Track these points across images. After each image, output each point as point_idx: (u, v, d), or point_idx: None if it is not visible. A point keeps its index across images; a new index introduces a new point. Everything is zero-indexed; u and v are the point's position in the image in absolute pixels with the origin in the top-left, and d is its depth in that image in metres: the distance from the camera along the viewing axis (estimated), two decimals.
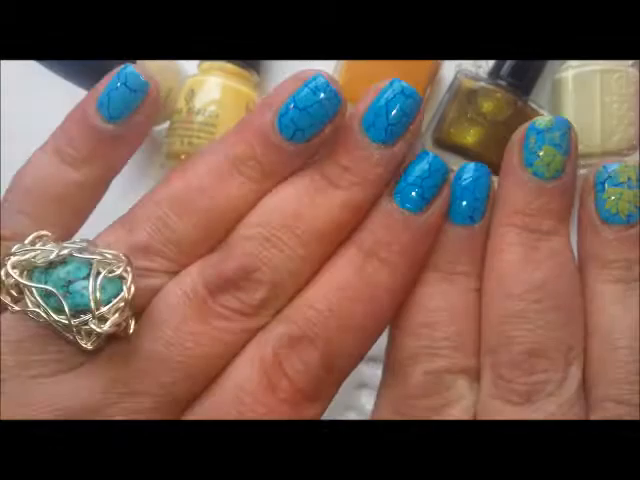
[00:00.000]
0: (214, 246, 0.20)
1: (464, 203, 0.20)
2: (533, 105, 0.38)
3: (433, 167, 0.20)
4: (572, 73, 0.37)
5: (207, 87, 0.37)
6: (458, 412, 0.19)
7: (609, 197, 0.20)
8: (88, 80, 0.32)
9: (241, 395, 0.18)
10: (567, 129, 0.20)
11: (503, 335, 0.19)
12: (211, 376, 0.19)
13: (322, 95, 0.19)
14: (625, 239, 0.20)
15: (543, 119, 0.20)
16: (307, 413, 0.18)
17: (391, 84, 0.19)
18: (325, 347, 0.19)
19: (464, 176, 0.20)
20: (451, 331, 0.20)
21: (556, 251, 0.20)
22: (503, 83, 0.37)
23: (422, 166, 0.20)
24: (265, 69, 0.40)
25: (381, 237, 0.20)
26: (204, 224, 0.19)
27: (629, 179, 0.20)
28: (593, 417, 0.19)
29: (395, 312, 0.20)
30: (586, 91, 0.37)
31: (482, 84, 0.37)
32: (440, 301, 0.20)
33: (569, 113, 0.38)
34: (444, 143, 0.39)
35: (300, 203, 0.19)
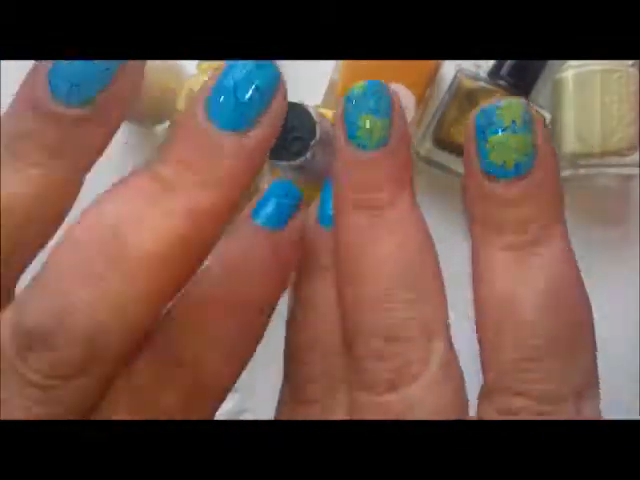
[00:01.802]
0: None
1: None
2: (533, 105, 0.38)
3: (288, 188, 0.19)
4: (572, 73, 0.37)
5: None
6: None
7: (492, 147, 0.17)
8: None
9: None
10: (381, 91, 0.17)
11: (357, 324, 0.17)
12: None
13: None
14: (514, 195, 0.17)
15: (355, 87, 0.18)
16: None
17: (243, 64, 0.16)
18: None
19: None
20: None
21: (397, 223, 0.18)
22: (503, 83, 0.38)
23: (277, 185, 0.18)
24: None
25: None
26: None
27: (513, 122, 0.17)
28: (485, 406, 0.17)
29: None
30: (586, 91, 0.37)
31: (482, 84, 0.37)
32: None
33: (569, 113, 0.38)
34: (444, 143, 0.39)
35: (124, 218, 0.15)
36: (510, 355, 0.17)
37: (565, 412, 0.16)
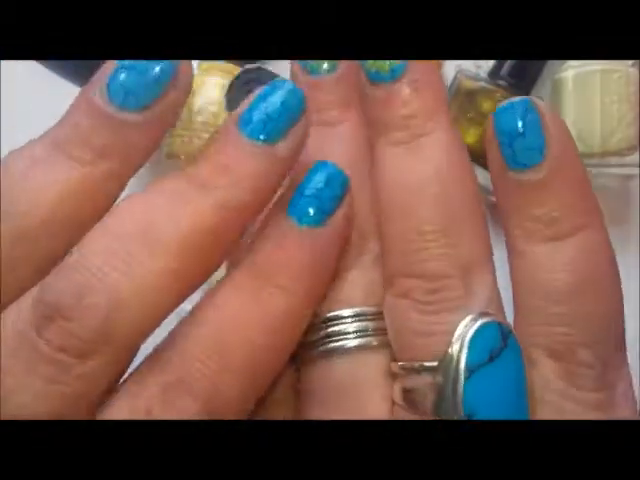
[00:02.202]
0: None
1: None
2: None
3: (331, 176, 0.18)
4: (572, 73, 0.37)
5: (207, 87, 0.37)
6: None
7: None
8: (88, 80, 0.32)
9: None
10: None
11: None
12: None
13: None
14: (390, 96, 0.18)
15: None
16: None
17: (274, 84, 0.17)
18: (206, 395, 0.16)
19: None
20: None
21: (345, 136, 0.20)
22: (503, 83, 0.37)
23: (317, 175, 0.18)
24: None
25: (276, 258, 0.17)
26: (23, 231, 0.16)
27: None
28: (386, 295, 0.18)
29: (294, 339, 0.18)
30: (586, 91, 0.37)
31: (482, 84, 0.37)
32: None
33: (569, 113, 0.38)
34: None
35: (158, 207, 0.16)
36: (398, 244, 0.18)
37: (453, 287, 0.17)
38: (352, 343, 0.18)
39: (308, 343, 0.19)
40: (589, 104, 0.37)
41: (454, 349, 0.17)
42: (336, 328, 0.18)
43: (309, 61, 0.20)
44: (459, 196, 0.18)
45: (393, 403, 0.18)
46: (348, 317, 0.18)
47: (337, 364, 0.18)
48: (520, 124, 0.17)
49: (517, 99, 0.17)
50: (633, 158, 0.38)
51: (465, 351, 0.16)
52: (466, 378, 0.16)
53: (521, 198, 0.18)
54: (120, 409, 0.16)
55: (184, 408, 0.16)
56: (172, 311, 0.16)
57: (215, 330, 0.16)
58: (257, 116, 0.17)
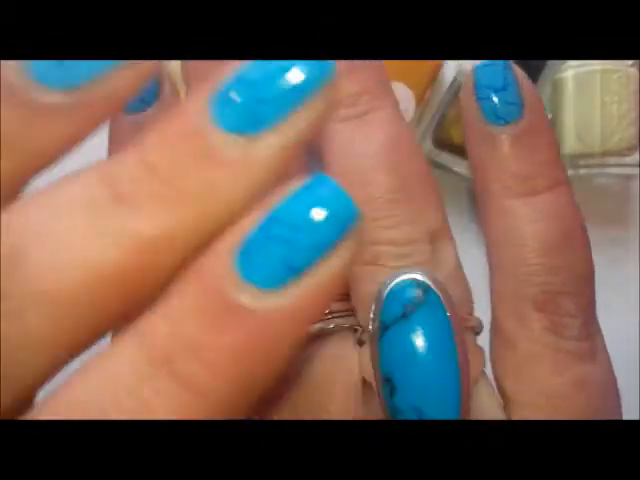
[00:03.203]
0: None
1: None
2: None
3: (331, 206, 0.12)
4: (572, 73, 0.37)
5: None
6: None
7: None
8: None
9: None
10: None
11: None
12: None
13: None
14: (339, 74, 0.16)
15: None
16: None
17: None
18: None
19: None
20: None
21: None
22: None
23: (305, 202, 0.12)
24: None
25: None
26: None
27: None
28: (354, 267, 0.18)
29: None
30: (586, 91, 0.37)
31: None
32: None
33: (569, 113, 0.38)
34: (444, 143, 0.39)
35: (47, 233, 0.11)
36: (362, 213, 0.16)
37: (421, 252, 0.18)
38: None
39: None
40: (589, 104, 0.37)
41: (373, 310, 0.17)
42: None
43: None
44: (415, 165, 0.18)
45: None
46: None
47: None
48: (502, 79, 0.18)
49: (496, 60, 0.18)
50: (633, 158, 0.38)
51: (380, 307, 0.17)
52: (380, 335, 0.16)
53: (498, 153, 0.18)
54: None
55: None
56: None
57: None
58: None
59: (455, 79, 0.38)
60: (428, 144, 0.39)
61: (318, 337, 0.18)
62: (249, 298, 0.11)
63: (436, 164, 0.41)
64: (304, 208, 0.11)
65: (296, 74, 0.13)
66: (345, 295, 0.18)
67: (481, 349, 0.18)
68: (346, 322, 0.18)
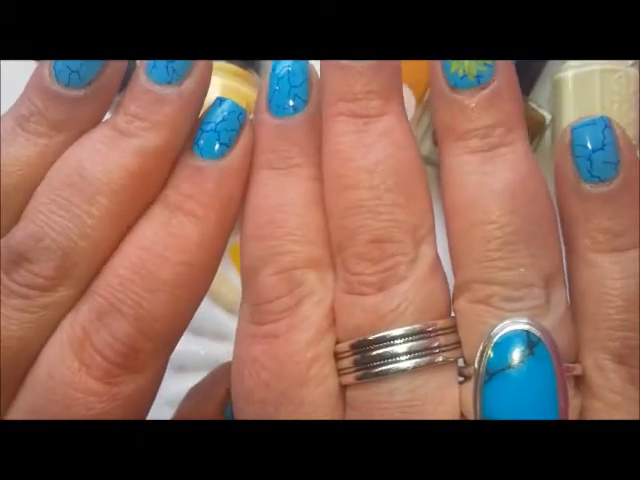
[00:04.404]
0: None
1: (281, 92, 0.19)
2: (533, 105, 0.38)
3: (228, 110, 0.19)
4: (572, 73, 0.37)
5: None
6: (309, 308, 0.18)
7: (453, 60, 0.18)
8: None
9: (51, 384, 0.17)
10: None
11: (346, 229, 0.18)
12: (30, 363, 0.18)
13: None
14: (478, 103, 0.18)
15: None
16: (128, 387, 0.18)
17: None
18: (135, 313, 0.18)
19: (278, 68, 0.19)
20: (294, 225, 0.19)
21: (387, 130, 0.18)
22: None
23: (216, 111, 0.19)
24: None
25: (184, 189, 0.19)
26: None
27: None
28: (459, 300, 0.18)
29: (212, 262, 0.19)
30: (586, 91, 0.37)
31: None
32: (277, 198, 0.19)
33: (569, 113, 0.38)
34: None
35: (87, 158, 0.18)
36: (479, 250, 0.18)
37: (534, 297, 0.17)
38: (407, 365, 0.17)
39: (356, 363, 0.18)
40: (589, 104, 0.37)
41: (480, 352, 0.17)
42: (388, 349, 0.17)
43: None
44: (540, 206, 0.18)
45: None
46: (402, 336, 0.17)
47: (394, 389, 0.17)
48: (601, 139, 0.18)
49: (596, 116, 0.18)
50: None
51: (487, 353, 0.17)
52: (484, 381, 0.17)
53: (592, 209, 0.18)
54: (62, 332, 0.18)
55: (119, 329, 0.18)
56: (118, 244, 0.19)
57: (133, 256, 0.18)
58: (160, 60, 0.19)
59: None
60: (428, 144, 0.39)
61: (426, 369, 0.17)
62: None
63: (436, 164, 0.41)
64: None
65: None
66: (453, 328, 0.18)
67: (578, 395, 0.18)
68: (452, 356, 0.17)
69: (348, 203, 0.18)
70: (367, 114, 0.18)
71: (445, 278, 0.19)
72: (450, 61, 0.18)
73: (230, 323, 0.37)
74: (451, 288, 0.19)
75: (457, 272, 0.18)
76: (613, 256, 0.18)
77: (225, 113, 0.19)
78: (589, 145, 0.18)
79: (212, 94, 0.37)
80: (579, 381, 0.18)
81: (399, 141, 0.18)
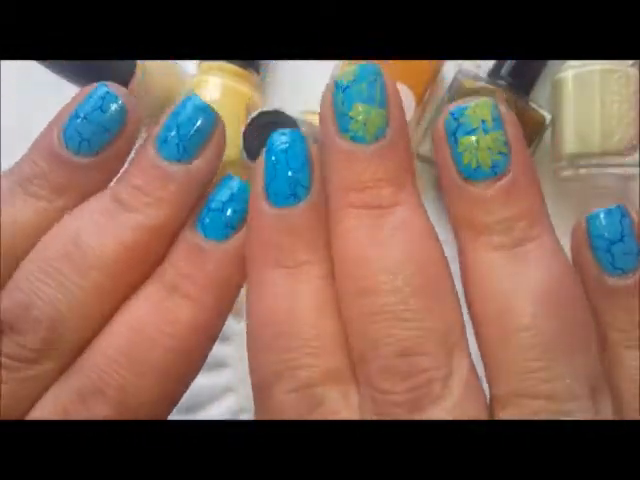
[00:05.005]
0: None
1: (279, 179, 0.17)
2: (533, 105, 0.38)
3: (237, 187, 0.18)
4: (572, 73, 0.37)
5: (207, 87, 0.37)
6: None
7: (465, 150, 0.17)
8: (88, 80, 0.32)
9: None
10: (375, 76, 0.17)
11: (369, 338, 0.16)
12: None
13: (103, 102, 0.18)
14: (497, 195, 0.17)
15: (345, 71, 0.17)
16: None
17: (184, 102, 0.18)
18: (118, 396, 0.17)
19: (274, 148, 0.17)
20: (309, 334, 0.17)
21: (402, 224, 0.17)
22: (503, 83, 0.37)
23: (225, 190, 0.18)
24: (265, 69, 0.40)
25: (183, 269, 0.18)
26: None
27: (483, 122, 0.16)
28: (504, 415, 0.16)
29: (205, 347, 0.18)
30: (586, 91, 0.37)
31: (482, 84, 0.37)
32: (288, 302, 0.17)
33: (569, 113, 0.38)
34: None
35: (84, 228, 0.17)
36: (517, 361, 0.16)
37: (584, 408, 0.16)
38: None
39: None
40: (589, 104, 0.37)
41: None
42: None
43: (348, 122, 0.17)
44: (577, 309, 0.17)
45: None
46: None
47: None
48: (619, 229, 0.17)
49: (612, 206, 0.17)
50: (633, 158, 0.38)
51: None
52: None
53: (617, 302, 0.17)
54: (42, 409, 0.17)
55: (100, 413, 0.17)
56: (108, 319, 0.18)
57: (124, 337, 0.17)
58: (171, 137, 0.18)
59: (455, 79, 0.38)
60: (428, 144, 0.39)
61: None
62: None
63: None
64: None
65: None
66: None
67: None
68: None
69: (369, 309, 0.16)
70: (379, 204, 0.17)
71: (483, 393, 0.17)
72: (461, 151, 0.17)
73: (234, 324, 0.37)
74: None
75: (494, 383, 0.16)
76: (635, 351, 0.17)
77: (234, 190, 0.18)
78: (607, 237, 0.17)
79: (212, 94, 0.37)
80: None
81: (417, 235, 0.17)
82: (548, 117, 0.38)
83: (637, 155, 0.38)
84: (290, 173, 0.17)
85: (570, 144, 0.38)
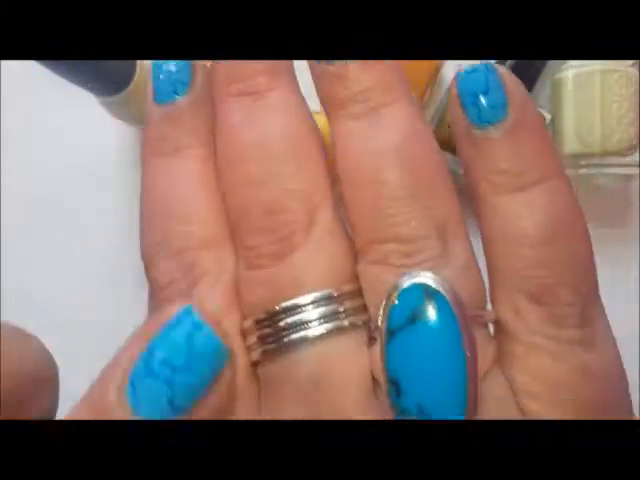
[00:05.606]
0: None
1: (163, 80, 0.19)
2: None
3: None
4: (572, 73, 0.37)
5: None
6: (204, 290, 0.18)
7: None
8: (88, 80, 0.32)
9: None
10: None
11: (239, 206, 0.18)
12: None
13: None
14: (349, 70, 0.18)
15: None
16: None
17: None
18: None
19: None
20: (183, 206, 0.18)
21: (276, 103, 0.19)
22: None
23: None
24: None
25: None
26: None
27: None
28: (360, 264, 0.18)
29: None
30: (586, 91, 0.37)
31: None
32: (165, 182, 0.19)
33: (569, 113, 0.38)
34: (444, 143, 0.39)
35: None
36: (369, 211, 0.18)
37: (429, 248, 0.17)
38: (316, 331, 0.17)
39: (261, 338, 0.18)
40: (589, 104, 0.37)
41: (381, 311, 0.17)
42: (295, 318, 0.17)
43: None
44: (427, 161, 0.18)
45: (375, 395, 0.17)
46: (308, 304, 0.17)
47: (302, 358, 0.17)
48: (484, 83, 0.18)
49: (478, 63, 0.18)
50: (633, 158, 0.38)
51: (387, 312, 0.17)
52: (387, 340, 0.16)
53: (486, 153, 0.18)
54: None
55: None
56: None
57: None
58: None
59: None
60: None
61: (333, 334, 0.17)
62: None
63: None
64: (180, 348, 0.16)
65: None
66: (358, 292, 0.18)
67: (492, 340, 0.18)
68: (359, 320, 0.17)
69: (237, 179, 0.18)
70: (256, 90, 0.19)
71: (348, 241, 0.18)
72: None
73: None
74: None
75: (354, 237, 0.18)
76: (516, 196, 0.18)
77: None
78: (472, 91, 0.18)
79: None
80: (498, 328, 0.18)
81: (288, 112, 0.18)
82: (548, 117, 0.38)
83: (637, 155, 0.38)
84: (171, 73, 0.19)
85: (570, 144, 0.38)
